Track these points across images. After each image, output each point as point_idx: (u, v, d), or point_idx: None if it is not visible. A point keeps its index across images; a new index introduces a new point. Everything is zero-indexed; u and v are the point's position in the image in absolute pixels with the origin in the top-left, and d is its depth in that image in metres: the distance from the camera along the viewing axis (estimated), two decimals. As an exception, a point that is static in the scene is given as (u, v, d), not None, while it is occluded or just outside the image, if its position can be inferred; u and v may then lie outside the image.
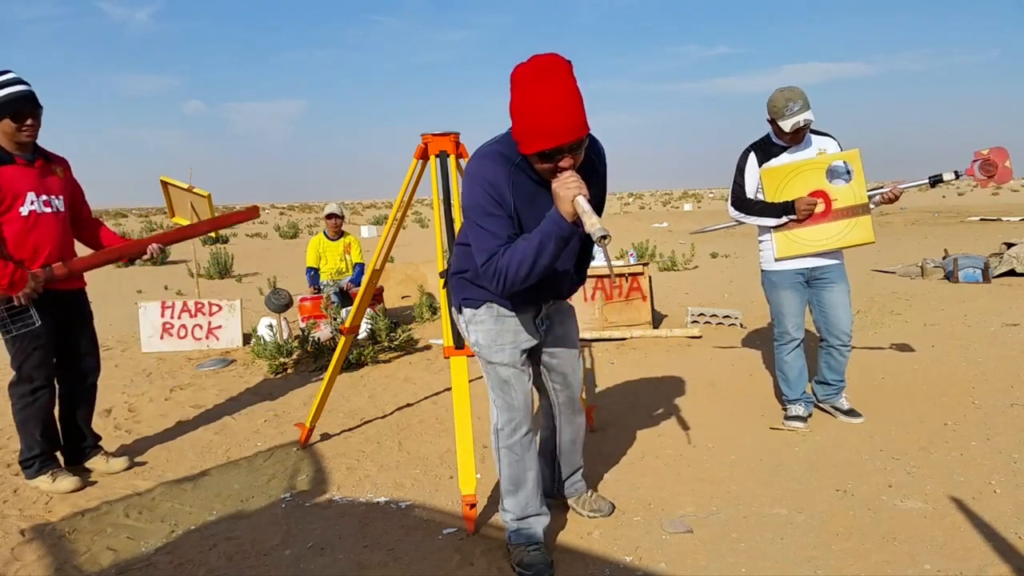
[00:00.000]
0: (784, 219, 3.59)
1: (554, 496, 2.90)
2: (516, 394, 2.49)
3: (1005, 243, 9.19)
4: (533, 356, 2.61)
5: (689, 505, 2.95)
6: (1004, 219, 19.32)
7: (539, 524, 2.56)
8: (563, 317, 2.64)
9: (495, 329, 2.44)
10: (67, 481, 3.31)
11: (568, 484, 2.88)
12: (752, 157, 3.68)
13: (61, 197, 3.35)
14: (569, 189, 2.01)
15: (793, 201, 3.54)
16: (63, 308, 3.35)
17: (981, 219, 19.99)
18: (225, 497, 3.21)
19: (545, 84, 1.98)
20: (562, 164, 2.06)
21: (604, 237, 1.92)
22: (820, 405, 3.96)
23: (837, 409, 3.86)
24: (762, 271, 3.84)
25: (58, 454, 3.48)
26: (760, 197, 3.69)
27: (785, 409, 3.89)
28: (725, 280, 9.76)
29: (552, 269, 2.20)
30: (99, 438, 3.69)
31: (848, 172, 3.59)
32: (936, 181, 3.60)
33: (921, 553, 2.50)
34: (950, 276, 8.53)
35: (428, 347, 6.10)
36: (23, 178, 3.18)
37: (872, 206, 3.60)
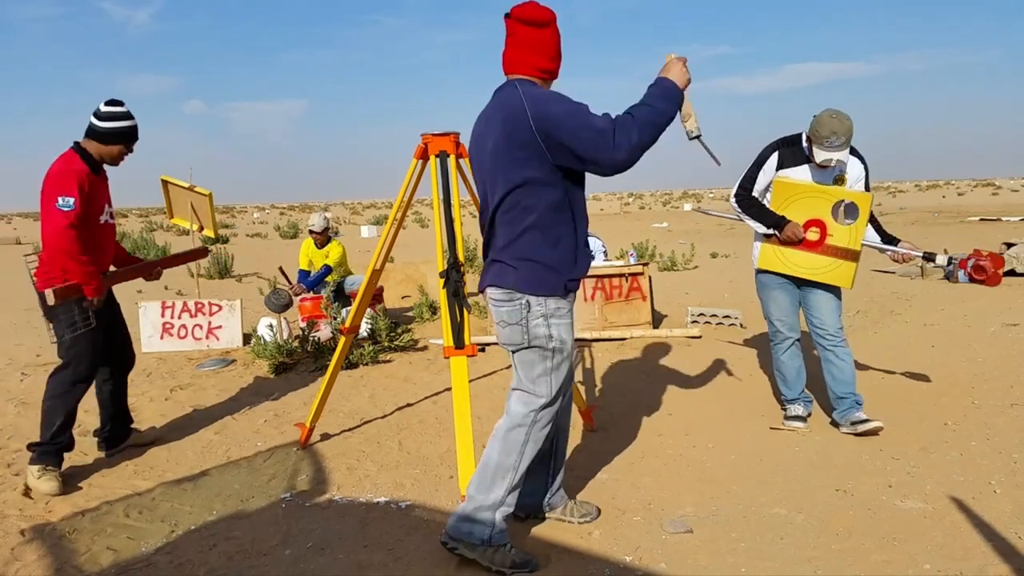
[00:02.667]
0: (770, 231, 3.61)
1: (540, 512, 2.82)
2: (568, 388, 2.58)
3: (1005, 243, 9.18)
4: None
5: (689, 505, 2.95)
6: (1004, 219, 19.31)
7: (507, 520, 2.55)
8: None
9: (571, 321, 2.49)
10: (50, 484, 3.31)
11: (557, 495, 2.82)
12: (775, 157, 3.61)
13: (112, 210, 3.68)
14: (684, 69, 2.32)
15: (784, 220, 3.55)
16: (108, 307, 3.64)
17: (981, 219, 19.99)
18: (225, 497, 3.21)
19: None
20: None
21: (700, 135, 2.23)
22: (838, 426, 3.69)
23: (856, 423, 3.57)
24: (755, 271, 3.84)
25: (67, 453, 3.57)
26: (768, 199, 3.65)
27: (784, 409, 3.87)
28: (725, 280, 9.75)
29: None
30: (132, 421, 4.00)
31: (854, 214, 3.53)
32: (930, 258, 3.60)
33: (921, 553, 2.50)
34: (950, 276, 8.53)
35: (426, 347, 6.10)
36: (103, 190, 3.55)
37: (879, 249, 3.62)
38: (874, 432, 3.54)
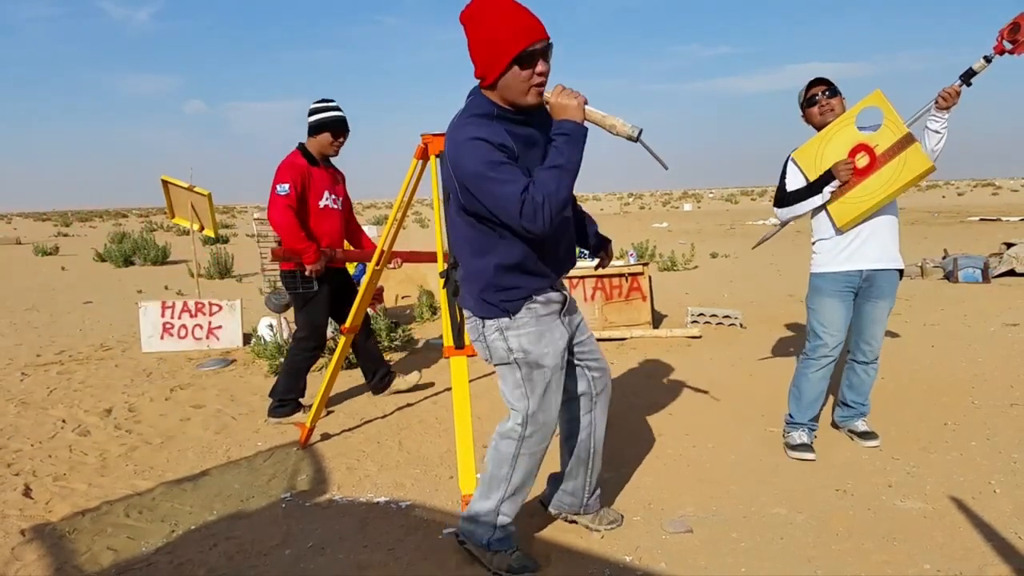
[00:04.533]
0: (828, 192, 3.28)
1: (578, 515, 2.75)
2: (555, 402, 2.39)
3: (1005, 243, 9.20)
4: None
5: (689, 505, 2.95)
6: (1004, 219, 19.32)
7: (514, 527, 2.51)
8: (573, 307, 2.56)
9: (537, 330, 2.31)
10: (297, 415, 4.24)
11: (593, 498, 2.73)
12: (791, 162, 3.45)
13: (340, 199, 4.34)
14: (575, 99, 2.10)
15: (829, 169, 3.25)
16: (335, 280, 4.28)
17: (981, 219, 19.99)
18: (225, 497, 3.21)
19: (496, 3, 2.10)
20: (539, 70, 2.10)
21: (640, 132, 2.06)
22: (836, 427, 3.68)
23: (853, 432, 3.57)
24: (810, 276, 3.47)
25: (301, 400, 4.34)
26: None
27: (786, 436, 3.48)
28: (725, 280, 9.76)
29: (565, 230, 2.34)
30: (390, 366, 4.66)
31: (877, 114, 3.29)
32: (969, 76, 3.19)
33: (921, 553, 2.50)
34: (950, 276, 8.53)
35: (425, 347, 6.10)
36: (322, 179, 4.19)
37: (936, 124, 3.22)
38: (868, 442, 3.51)
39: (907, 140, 3.23)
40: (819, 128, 3.39)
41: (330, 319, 4.37)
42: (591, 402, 2.61)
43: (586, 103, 2.13)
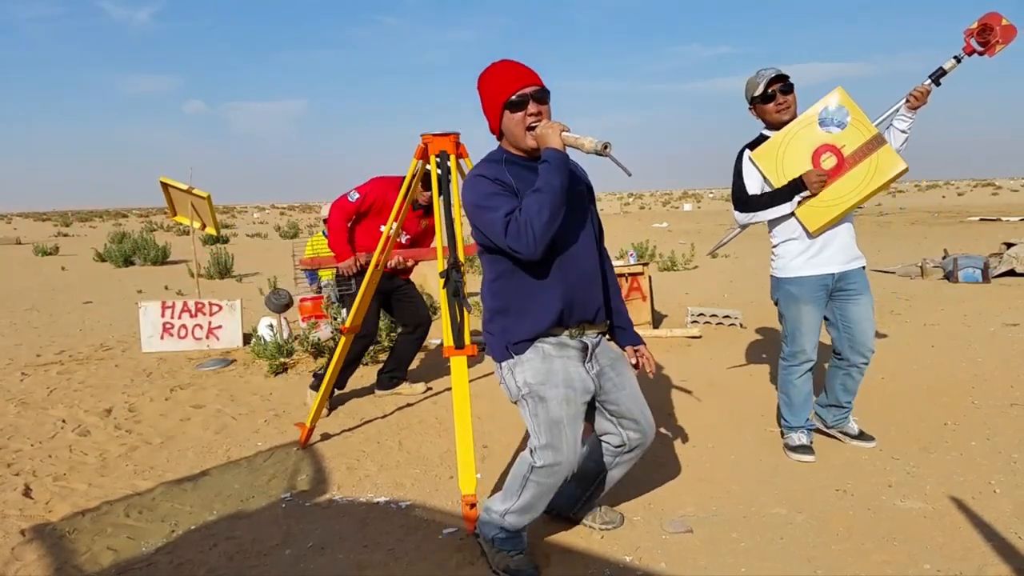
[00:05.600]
0: (797, 199, 3.20)
1: (570, 516, 2.79)
2: (567, 439, 2.33)
3: (1005, 243, 9.20)
4: (596, 410, 2.51)
5: (689, 505, 2.95)
6: (1004, 219, 19.32)
7: (525, 532, 2.52)
8: (614, 363, 2.51)
9: (544, 368, 2.35)
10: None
11: (587, 505, 2.78)
12: (748, 155, 3.34)
13: (408, 237, 4.50)
14: (552, 128, 2.25)
15: (800, 177, 3.17)
16: (388, 283, 4.42)
17: (981, 219, 19.99)
18: (225, 497, 3.22)
19: (501, 63, 2.37)
20: (531, 111, 2.29)
21: (606, 146, 2.15)
22: (827, 432, 3.57)
23: (847, 435, 3.53)
24: (777, 280, 3.39)
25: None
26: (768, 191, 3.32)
27: (785, 438, 3.50)
28: (725, 280, 9.76)
29: (578, 261, 2.35)
30: (406, 373, 4.79)
31: (841, 113, 3.21)
32: (939, 76, 3.19)
33: (921, 553, 2.50)
34: (950, 276, 8.53)
35: (427, 347, 6.10)
36: (406, 217, 4.12)
37: (903, 123, 3.21)
38: (866, 444, 3.50)
39: (877, 141, 3.18)
40: (772, 125, 3.32)
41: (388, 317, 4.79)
42: (625, 449, 2.57)
43: (565, 130, 2.25)
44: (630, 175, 2.25)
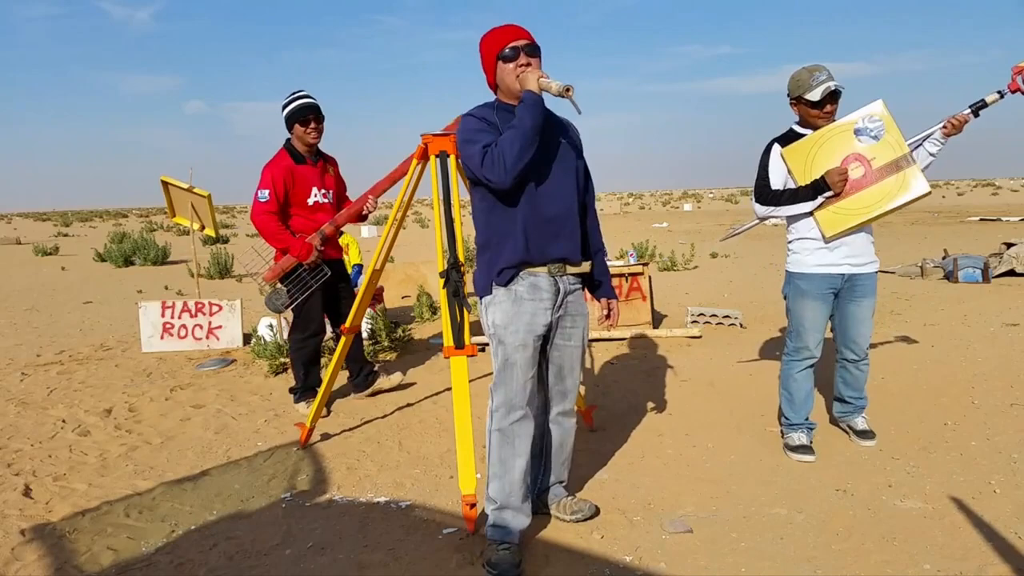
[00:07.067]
0: (819, 199, 3.19)
1: (547, 512, 2.86)
2: (517, 377, 2.55)
3: (1005, 243, 9.19)
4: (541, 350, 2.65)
5: (689, 505, 2.95)
6: (1004, 219, 19.32)
7: (516, 522, 2.55)
8: (575, 315, 2.72)
9: (512, 311, 2.54)
10: (305, 408, 4.28)
11: (550, 493, 2.88)
12: (776, 149, 3.32)
13: (331, 191, 4.37)
14: (531, 73, 2.45)
15: (823, 176, 3.17)
16: (333, 278, 4.30)
17: (981, 219, 19.99)
18: (225, 497, 3.22)
19: (491, 29, 2.58)
20: (521, 62, 2.48)
21: (568, 88, 2.36)
22: (836, 423, 3.69)
23: (851, 429, 3.57)
24: (789, 275, 3.42)
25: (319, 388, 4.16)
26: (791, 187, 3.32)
27: (785, 437, 3.49)
28: (725, 280, 9.76)
29: (552, 200, 2.51)
30: (375, 366, 4.77)
31: (878, 126, 3.21)
32: (979, 107, 3.22)
33: (921, 553, 2.50)
34: (950, 276, 8.53)
35: (425, 347, 6.10)
36: (310, 175, 4.24)
37: (934, 148, 3.25)
38: (864, 442, 3.52)
39: (907, 160, 3.20)
40: (808, 125, 3.32)
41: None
42: (549, 405, 2.79)
43: (543, 77, 2.43)
44: (580, 113, 2.47)
